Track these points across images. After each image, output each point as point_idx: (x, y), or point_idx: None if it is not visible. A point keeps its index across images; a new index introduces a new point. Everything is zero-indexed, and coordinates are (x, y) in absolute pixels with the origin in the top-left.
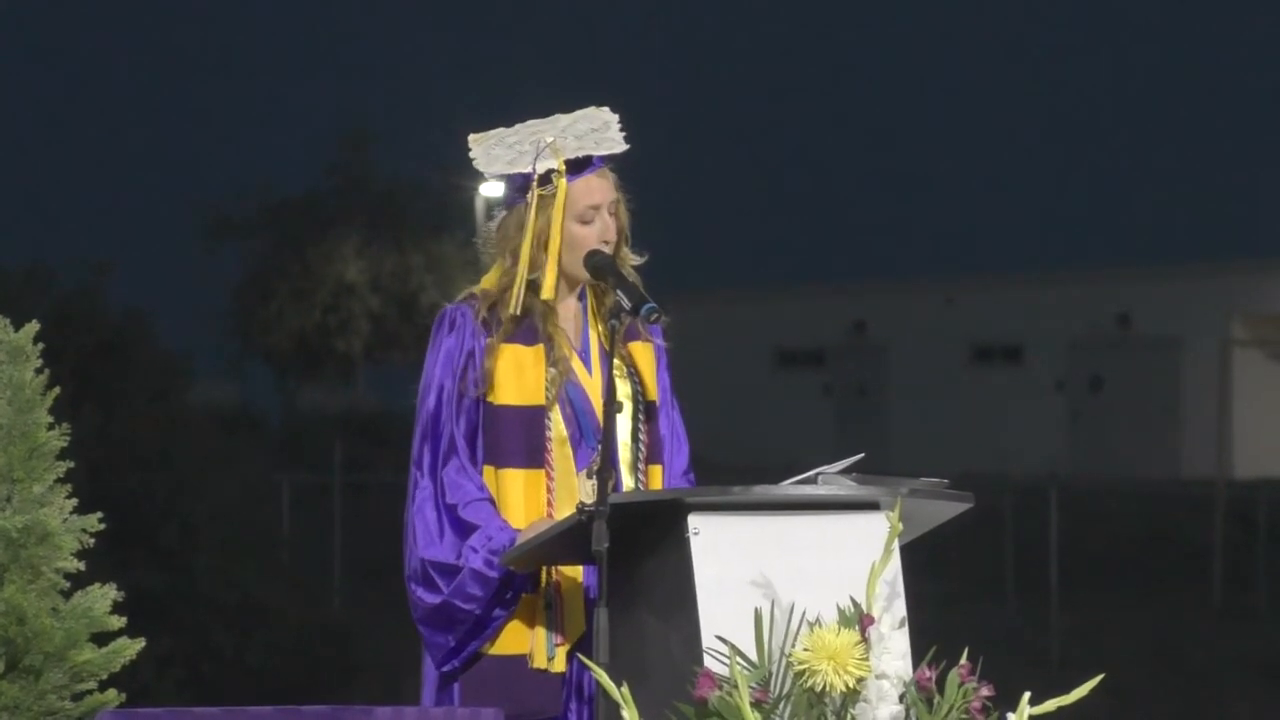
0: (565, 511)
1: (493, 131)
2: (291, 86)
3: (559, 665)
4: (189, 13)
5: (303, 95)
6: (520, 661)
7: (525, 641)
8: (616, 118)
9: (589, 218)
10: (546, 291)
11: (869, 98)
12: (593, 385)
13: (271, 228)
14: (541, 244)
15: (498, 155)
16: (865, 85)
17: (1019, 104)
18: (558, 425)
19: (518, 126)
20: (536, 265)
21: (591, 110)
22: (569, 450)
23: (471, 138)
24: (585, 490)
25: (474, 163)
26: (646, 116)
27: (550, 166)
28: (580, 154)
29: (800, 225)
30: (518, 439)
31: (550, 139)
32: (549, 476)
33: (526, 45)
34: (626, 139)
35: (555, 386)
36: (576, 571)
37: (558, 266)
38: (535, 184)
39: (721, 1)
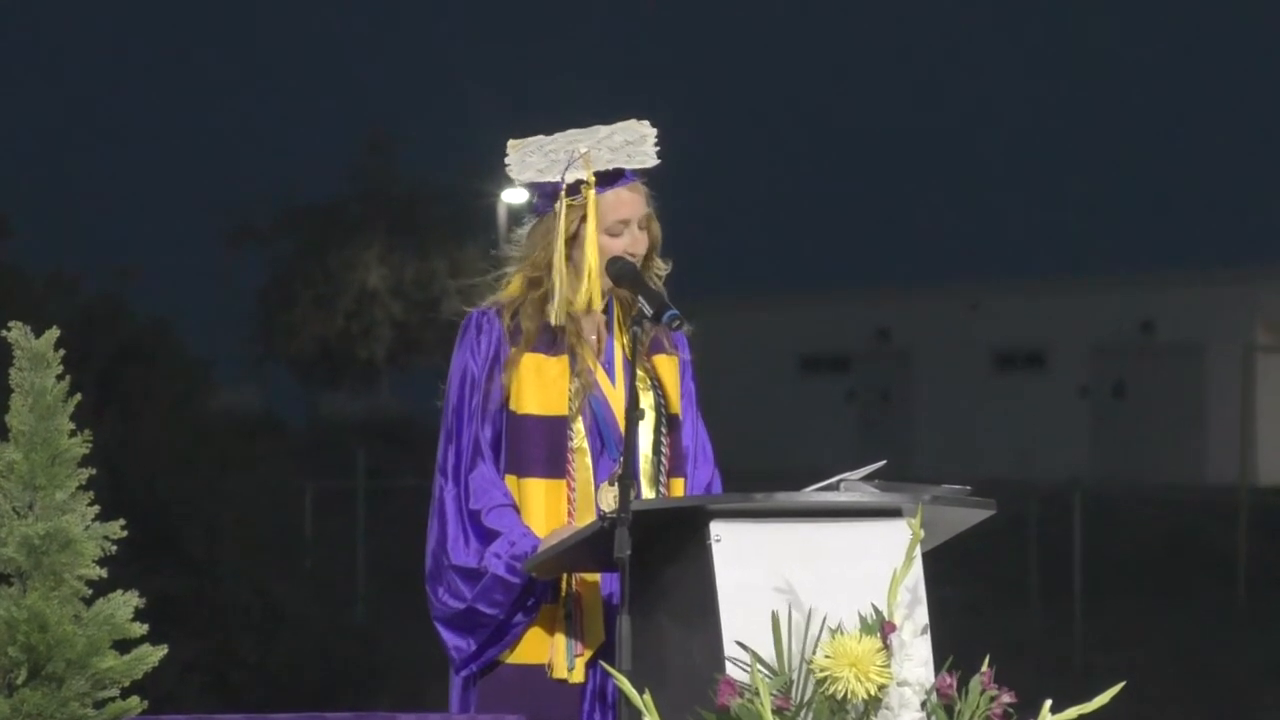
0: (586, 522)
1: (532, 139)
2: (314, 93)
3: (578, 676)
4: (211, 19)
5: (326, 102)
6: (539, 671)
7: (545, 651)
8: (654, 132)
9: (617, 231)
10: (580, 303)
11: (891, 104)
12: (615, 396)
13: (294, 234)
14: (572, 254)
15: (532, 162)
16: (887, 91)
17: (1042, 110)
18: (579, 436)
19: (556, 135)
20: (566, 276)
21: (631, 123)
22: (589, 461)
23: (511, 143)
24: (605, 501)
25: (507, 169)
26: (671, 121)
27: (579, 177)
28: (612, 166)
29: (824, 232)
30: (540, 449)
31: (585, 149)
32: (570, 487)
33: (551, 51)
34: (660, 154)
35: (579, 398)
36: (597, 581)
37: (598, 278)
38: (564, 194)
39: (748, 7)
